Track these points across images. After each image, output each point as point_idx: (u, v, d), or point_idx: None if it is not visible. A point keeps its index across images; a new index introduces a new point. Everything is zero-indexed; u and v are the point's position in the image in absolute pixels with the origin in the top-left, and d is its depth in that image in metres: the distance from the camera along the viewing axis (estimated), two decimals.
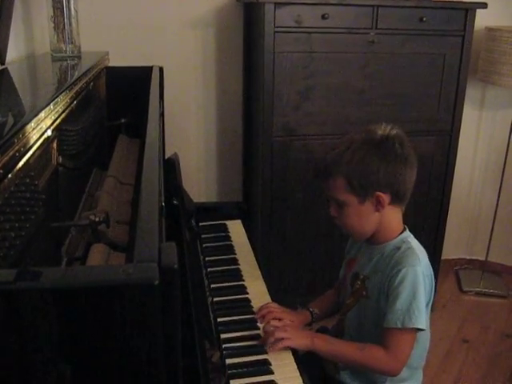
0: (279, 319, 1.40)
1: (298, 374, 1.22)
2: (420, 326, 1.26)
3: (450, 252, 3.11)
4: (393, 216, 1.35)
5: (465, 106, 2.51)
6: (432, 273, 1.34)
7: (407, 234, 1.38)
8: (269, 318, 1.41)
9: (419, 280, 1.27)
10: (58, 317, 0.49)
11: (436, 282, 2.71)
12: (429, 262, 1.34)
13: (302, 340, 1.30)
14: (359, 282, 1.40)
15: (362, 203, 1.31)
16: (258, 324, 1.39)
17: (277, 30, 2.16)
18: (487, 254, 3.02)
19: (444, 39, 2.38)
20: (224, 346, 1.28)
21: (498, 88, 2.77)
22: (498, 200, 2.92)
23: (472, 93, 2.80)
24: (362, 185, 1.29)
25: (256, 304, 1.47)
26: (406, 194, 1.34)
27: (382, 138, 1.30)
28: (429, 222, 2.63)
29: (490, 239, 2.98)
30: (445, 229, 2.67)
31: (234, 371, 1.21)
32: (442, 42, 2.38)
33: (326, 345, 1.31)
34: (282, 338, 1.28)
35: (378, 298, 1.33)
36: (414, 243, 1.35)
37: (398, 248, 1.33)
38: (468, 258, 3.26)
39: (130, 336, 0.50)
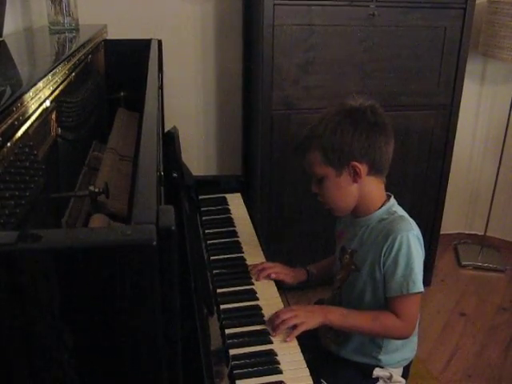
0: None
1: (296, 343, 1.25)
2: (421, 290, 1.28)
3: (448, 227, 3.12)
4: (373, 187, 1.35)
5: (465, 80, 2.48)
6: (421, 235, 1.35)
7: (391, 202, 1.38)
8: (264, 274, 1.46)
9: (415, 244, 1.28)
10: (57, 277, 0.50)
11: (434, 256, 2.75)
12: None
13: (316, 319, 1.28)
14: (347, 256, 1.41)
15: (339, 175, 1.31)
16: (257, 295, 1.40)
17: (276, 2, 2.14)
18: (486, 228, 3.03)
19: (445, 12, 2.35)
20: (223, 316, 1.30)
21: (499, 62, 2.74)
22: (497, 175, 2.92)
23: (473, 67, 2.77)
24: (337, 156, 1.29)
25: (255, 275, 1.48)
26: (384, 165, 1.34)
27: (352, 108, 1.31)
28: (428, 197, 2.62)
29: (489, 214, 2.99)
30: (444, 203, 2.68)
31: (235, 341, 1.22)
32: (443, 14, 2.35)
33: (340, 318, 1.31)
34: (296, 325, 1.26)
35: (370, 270, 1.34)
36: (400, 211, 1.36)
37: (384, 219, 1.34)
38: (467, 232, 3.28)
39: (129, 296, 0.51)
